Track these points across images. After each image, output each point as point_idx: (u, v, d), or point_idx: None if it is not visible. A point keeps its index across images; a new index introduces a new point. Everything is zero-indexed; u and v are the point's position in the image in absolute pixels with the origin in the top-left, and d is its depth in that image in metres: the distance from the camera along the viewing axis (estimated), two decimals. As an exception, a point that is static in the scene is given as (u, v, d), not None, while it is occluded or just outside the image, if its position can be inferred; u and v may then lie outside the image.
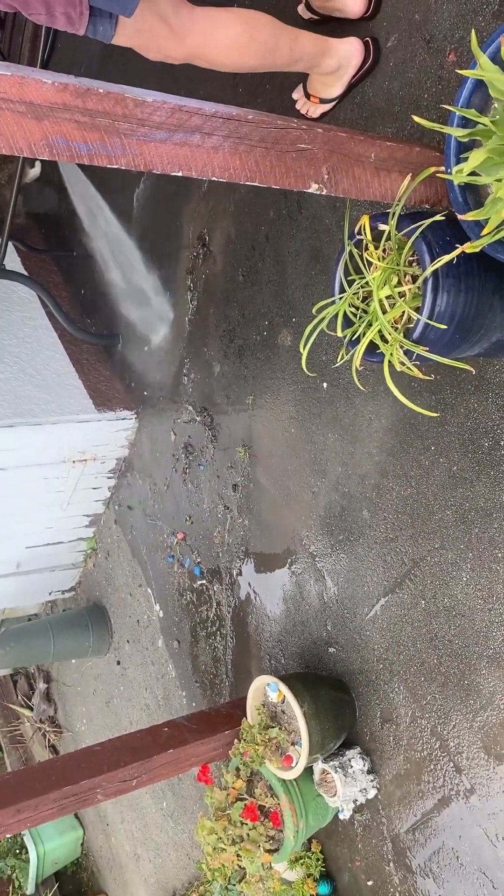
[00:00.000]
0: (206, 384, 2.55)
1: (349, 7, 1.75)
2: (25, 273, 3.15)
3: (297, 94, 1.91)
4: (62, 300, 3.24)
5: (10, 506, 3.05)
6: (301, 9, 1.88)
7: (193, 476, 2.68)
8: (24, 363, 2.91)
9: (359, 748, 2.02)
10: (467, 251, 1.16)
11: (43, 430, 2.76)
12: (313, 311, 1.52)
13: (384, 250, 1.40)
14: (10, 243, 2.89)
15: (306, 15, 1.88)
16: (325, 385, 2.03)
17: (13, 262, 3.20)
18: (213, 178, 1.14)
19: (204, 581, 2.68)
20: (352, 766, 1.98)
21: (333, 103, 1.86)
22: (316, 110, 1.89)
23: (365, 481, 1.93)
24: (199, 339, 2.56)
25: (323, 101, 1.85)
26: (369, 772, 2.00)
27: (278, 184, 1.21)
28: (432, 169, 1.30)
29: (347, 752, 2.01)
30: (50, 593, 3.72)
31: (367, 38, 1.76)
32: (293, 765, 1.93)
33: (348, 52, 1.74)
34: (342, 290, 1.48)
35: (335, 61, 1.74)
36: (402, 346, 1.36)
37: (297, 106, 1.91)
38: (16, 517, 3.13)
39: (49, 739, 4.10)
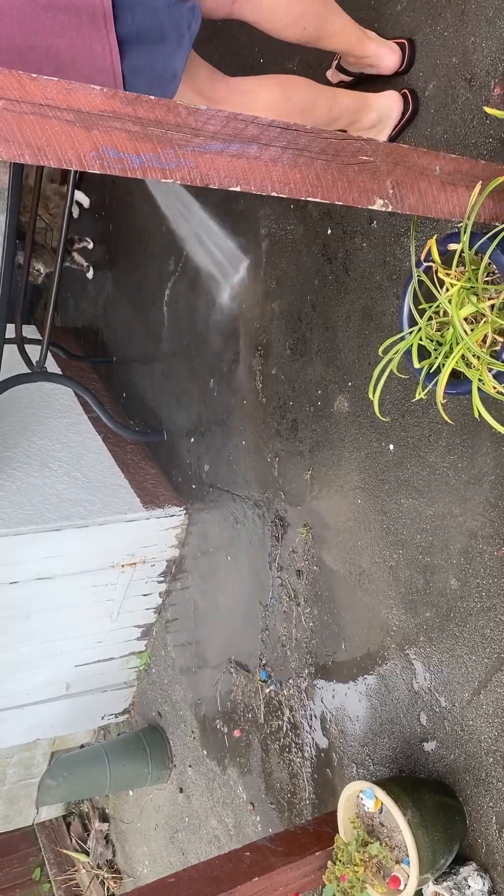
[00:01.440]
0: (258, 467, 2.42)
1: (384, 63, 1.74)
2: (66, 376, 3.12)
3: None
4: (104, 403, 3.19)
5: (58, 619, 2.88)
6: (331, 73, 1.89)
7: (255, 568, 2.49)
8: (68, 467, 2.82)
9: (475, 864, 1.72)
10: None
11: (90, 532, 2.63)
12: (379, 351, 1.40)
13: (457, 273, 1.29)
14: (49, 350, 2.87)
15: (336, 78, 1.88)
16: (391, 447, 1.88)
17: (52, 369, 3.18)
18: (273, 194, 1.05)
19: (273, 686, 2.43)
20: (469, 887, 1.68)
21: None
22: None
23: (449, 546, 1.74)
24: (246, 419, 2.45)
25: None
26: (491, 892, 1.69)
27: (341, 199, 1.12)
28: (501, 178, 1.21)
29: (462, 870, 1.71)
30: (102, 717, 3.46)
31: (405, 90, 1.74)
32: (402, 887, 1.64)
33: (388, 105, 1.72)
34: (412, 324, 1.37)
35: (375, 115, 1.72)
36: (490, 370, 1.23)
37: None
38: (64, 632, 2.95)
39: (108, 888, 3.70)
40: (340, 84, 1.89)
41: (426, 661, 1.83)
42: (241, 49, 2.36)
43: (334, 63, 1.89)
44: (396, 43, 1.74)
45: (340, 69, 1.86)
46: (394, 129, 1.75)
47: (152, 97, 0.92)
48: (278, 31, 1.56)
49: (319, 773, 2.24)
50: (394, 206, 1.17)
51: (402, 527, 1.87)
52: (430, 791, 1.73)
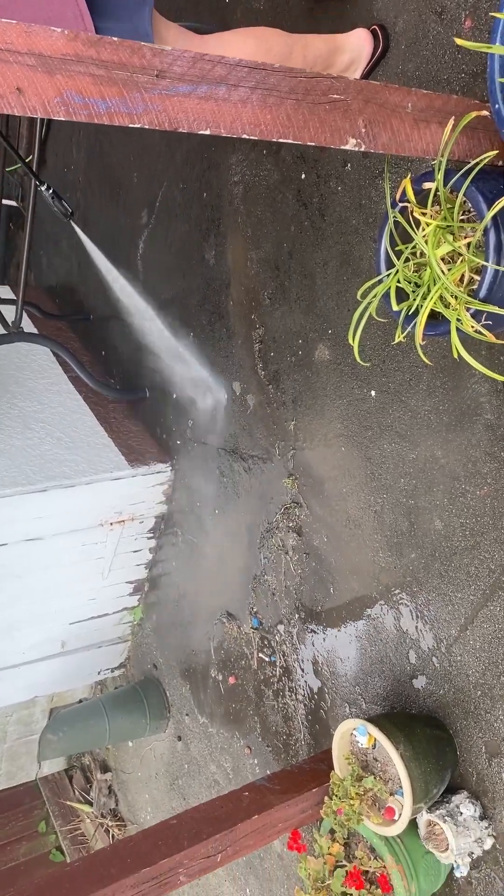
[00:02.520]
0: (241, 419, 2.42)
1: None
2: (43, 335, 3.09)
3: None
4: (83, 363, 3.16)
5: (50, 579, 2.90)
6: None
7: (243, 519, 2.52)
8: (51, 427, 2.80)
9: (466, 792, 1.79)
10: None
11: (76, 491, 2.63)
12: (358, 295, 1.39)
13: (432, 211, 1.28)
14: (24, 310, 2.83)
15: None
16: (373, 393, 1.89)
17: (29, 328, 3.14)
18: (244, 136, 1.03)
19: (264, 632, 2.48)
20: (461, 814, 1.75)
21: None
22: None
23: (433, 488, 1.76)
24: (228, 373, 2.45)
25: None
26: (482, 818, 1.75)
27: (313, 140, 1.10)
28: (474, 113, 1.19)
29: (454, 798, 1.77)
30: (99, 672, 3.52)
31: (374, 27, 1.70)
32: (396, 817, 1.70)
33: (358, 44, 1.69)
34: (389, 266, 1.36)
35: (347, 56, 1.69)
36: (469, 310, 1.23)
37: None
38: (56, 591, 2.97)
39: (113, 835, 3.80)
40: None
41: (413, 600, 1.86)
42: (206, -12, 2.29)
43: None
44: None
45: None
46: (366, 67, 1.71)
47: (115, 38, 0.90)
48: None
49: (313, 715, 2.29)
50: (367, 146, 1.15)
51: (385, 472, 1.89)
52: (421, 725, 1.79)
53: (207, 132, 1.00)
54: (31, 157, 3.37)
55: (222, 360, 2.46)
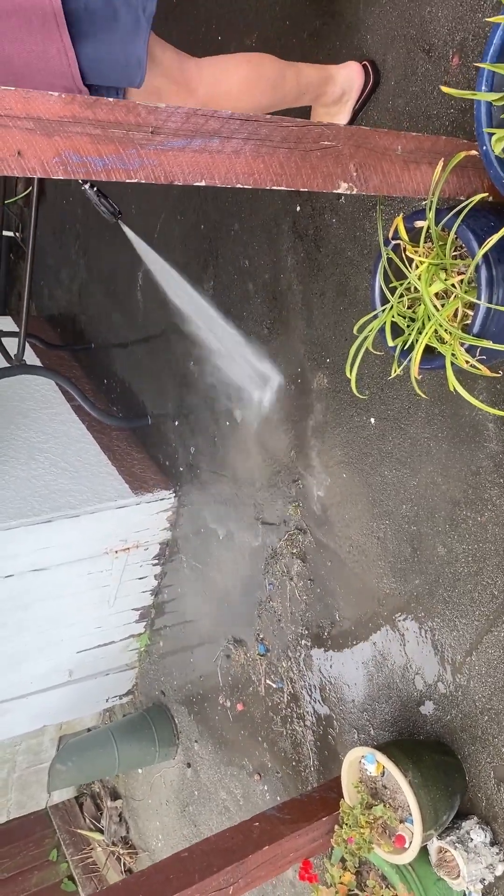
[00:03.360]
0: (243, 447, 2.44)
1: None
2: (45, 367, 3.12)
3: None
4: (85, 391, 3.19)
5: (56, 608, 2.91)
6: None
7: (247, 545, 2.53)
8: (55, 458, 2.83)
9: (476, 817, 1.79)
10: (526, 215, 1.06)
11: (81, 521, 2.65)
12: (354, 330, 1.42)
13: (424, 250, 1.31)
14: (27, 342, 2.87)
15: None
16: (372, 420, 1.91)
17: (31, 359, 3.18)
18: (239, 186, 1.06)
19: (271, 658, 2.48)
20: (472, 840, 1.74)
21: None
22: None
23: (434, 515, 1.78)
24: (229, 401, 2.47)
25: None
26: (493, 843, 1.75)
27: (306, 186, 1.13)
28: (463, 153, 1.22)
29: (464, 824, 1.77)
30: (107, 700, 3.51)
31: (365, 62, 1.73)
32: (407, 845, 1.70)
33: (349, 76, 1.72)
34: (384, 301, 1.39)
35: (339, 88, 1.72)
36: (463, 344, 1.25)
37: None
38: (63, 620, 2.98)
39: (124, 863, 3.78)
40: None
41: (418, 626, 1.87)
42: (199, 26, 2.33)
43: None
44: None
45: None
46: (357, 101, 1.75)
47: (110, 100, 0.93)
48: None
49: (322, 741, 2.29)
50: (358, 189, 1.18)
51: (387, 498, 1.90)
52: (429, 751, 1.79)
53: (203, 184, 1.03)
54: (30, 188, 3.43)
55: (223, 386, 2.48)
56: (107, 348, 3.27)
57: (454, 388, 1.22)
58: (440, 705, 1.84)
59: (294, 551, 2.27)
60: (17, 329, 2.88)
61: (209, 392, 2.55)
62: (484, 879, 1.73)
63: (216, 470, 2.61)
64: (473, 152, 1.24)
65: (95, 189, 2.17)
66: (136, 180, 0.98)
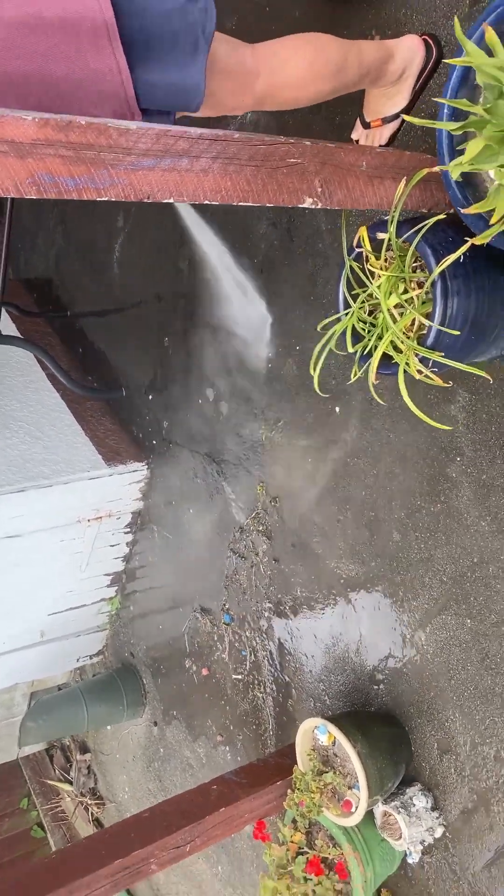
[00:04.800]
0: (215, 425, 2.50)
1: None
2: (21, 336, 3.14)
3: (357, 133, 1.69)
4: (60, 360, 3.22)
5: (29, 574, 2.98)
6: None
7: (216, 519, 2.61)
8: (29, 426, 2.87)
9: (419, 784, 1.92)
10: (476, 243, 1.12)
11: (54, 490, 2.71)
12: (318, 328, 1.48)
13: (386, 260, 1.36)
14: (3, 309, 2.88)
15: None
16: (337, 409, 1.98)
17: (7, 327, 3.19)
18: (206, 202, 1.10)
19: (235, 628, 2.59)
20: (414, 805, 1.88)
21: (400, 119, 1.62)
22: (383, 134, 1.65)
23: (392, 503, 1.86)
24: (200, 380, 2.52)
25: (387, 120, 1.62)
26: (433, 808, 1.89)
27: (272, 201, 1.17)
28: (426, 170, 1.26)
29: (408, 790, 1.90)
30: (78, 659, 3.62)
31: (425, 36, 1.58)
32: (353, 810, 1.83)
33: (410, 51, 1.54)
34: (347, 306, 1.45)
35: (399, 65, 1.54)
36: (417, 355, 1.31)
37: (362, 143, 1.69)
38: (35, 585, 3.06)
39: (92, 813, 3.94)
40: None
41: (373, 605, 1.97)
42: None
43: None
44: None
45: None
46: (418, 79, 1.58)
47: (83, 122, 0.96)
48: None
49: (281, 707, 2.42)
50: (322, 203, 1.23)
51: (349, 484, 1.99)
52: (378, 723, 1.91)
53: (171, 201, 1.07)
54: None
55: (196, 366, 2.53)
56: (82, 317, 3.29)
57: (405, 398, 1.29)
58: (391, 680, 1.95)
59: (260, 529, 2.36)
60: (-7, 297, 2.89)
61: (183, 369, 2.60)
62: (424, 841, 1.87)
63: (188, 445, 2.67)
64: (436, 168, 1.29)
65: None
66: (106, 198, 1.02)
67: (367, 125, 1.66)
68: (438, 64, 1.57)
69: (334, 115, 1.86)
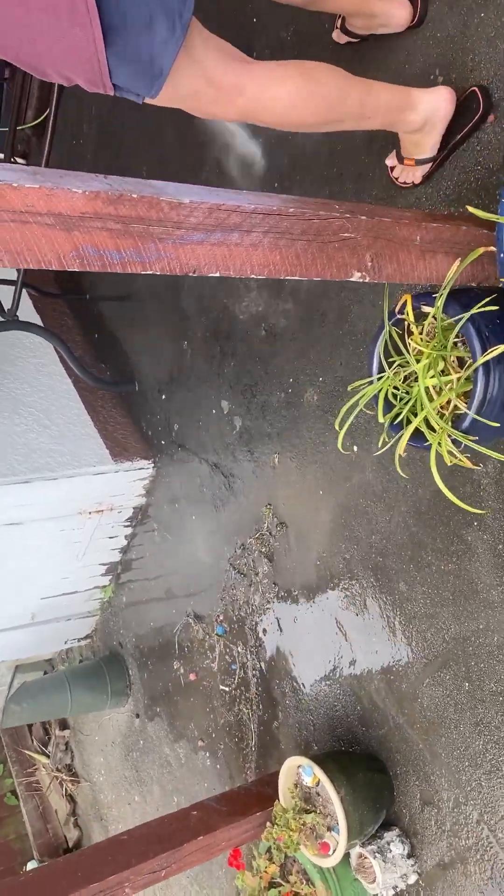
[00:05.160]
0: (227, 438, 2.47)
1: (394, 20, 1.58)
2: (39, 319, 3.09)
3: (391, 161, 1.67)
4: (75, 344, 3.17)
5: (26, 560, 2.97)
6: (336, 35, 1.76)
7: (218, 530, 2.59)
8: (38, 414, 2.83)
9: (398, 830, 1.92)
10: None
11: (59, 483, 2.69)
12: (349, 389, 1.44)
13: (427, 331, 1.32)
14: (23, 290, 2.82)
15: (342, 39, 1.75)
16: (355, 449, 1.94)
17: (26, 305, 3.13)
18: (252, 276, 1.06)
19: (227, 641, 2.59)
20: (391, 851, 1.89)
21: (432, 163, 1.59)
22: (415, 173, 1.63)
23: (402, 553, 1.84)
24: (217, 390, 2.48)
25: (419, 162, 1.59)
26: (409, 856, 1.90)
27: (319, 275, 1.13)
28: (481, 250, 1.21)
29: (386, 835, 1.91)
30: (66, 641, 3.64)
31: (474, 88, 1.49)
32: (330, 852, 1.84)
33: (434, 105, 1.48)
34: (380, 368, 1.40)
35: (420, 116, 1.48)
36: (449, 436, 1.28)
37: (394, 174, 1.68)
38: (31, 571, 3.05)
39: (66, 789, 4.00)
40: (349, 45, 1.76)
41: (370, 648, 1.96)
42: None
43: (338, 23, 1.74)
44: None
45: (345, 31, 1.73)
46: (457, 134, 1.52)
47: (134, 195, 0.91)
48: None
49: (266, 727, 2.42)
50: (371, 277, 1.18)
51: (359, 525, 1.96)
52: (363, 768, 1.91)
53: (217, 274, 1.03)
54: (43, 117, 3.30)
55: (214, 375, 2.49)
56: (102, 301, 3.23)
57: (436, 479, 1.26)
58: (381, 725, 1.95)
59: (263, 550, 2.34)
60: (13, 278, 2.83)
61: (200, 376, 2.56)
62: (396, 887, 1.88)
63: (197, 452, 2.64)
64: (492, 248, 1.23)
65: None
66: (150, 272, 0.97)
67: (401, 160, 1.64)
68: (484, 120, 1.51)
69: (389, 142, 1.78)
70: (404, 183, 1.67)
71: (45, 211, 0.87)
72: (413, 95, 1.47)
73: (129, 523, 3.10)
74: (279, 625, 2.31)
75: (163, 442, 2.85)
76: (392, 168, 1.69)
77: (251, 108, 1.32)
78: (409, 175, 1.65)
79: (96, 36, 1.14)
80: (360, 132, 1.73)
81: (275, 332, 2.19)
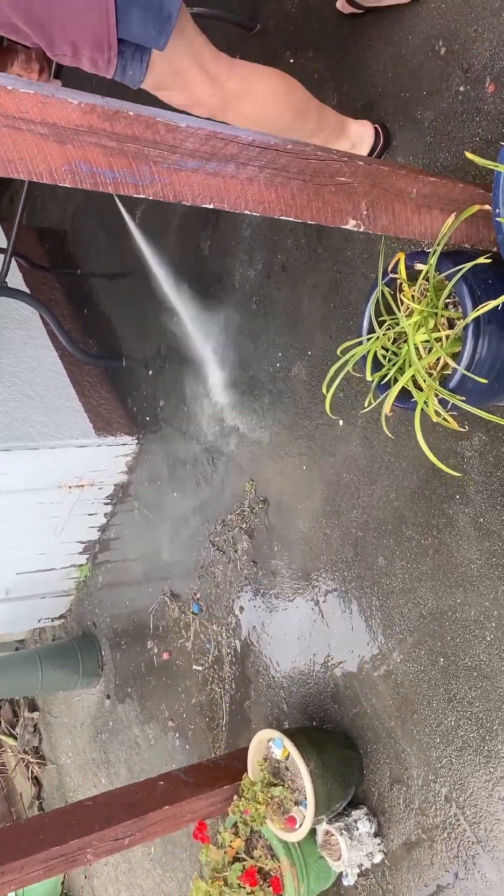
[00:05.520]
0: (213, 414, 2.45)
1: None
2: (28, 290, 3.06)
3: None
4: (64, 319, 3.14)
5: (2, 530, 2.93)
6: (340, 4, 1.82)
7: (199, 508, 2.57)
8: (22, 384, 2.80)
9: (365, 808, 1.91)
10: (521, 301, 1.07)
11: (40, 454, 2.65)
12: (338, 351, 1.43)
13: (420, 290, 1.31)
14: (12, 259, 2.79)
15: (347, 10, 1.81)
16: (341, 423, 1.94)
17: (16, 278, 3.10)
18: (247, 212, 1.04)
19: (203, 619, 2.56)
20: (358, 829, 1.87)
21: None
22: None
23: (382, 527, 1.83)
24: (204, 367, 2.46)
25: None
26: (376, 834, 1.88)
27: (315, 219, 1.11)
28: (476, 207, 1.21)
29: (353, 813, 1.90)
30: (39, 620, 3.59)
31: (377, 125, 1.73)
32: (297, 826, 1.82)
33: (361, 134, 1.71)
34: (371, 330, 1.39)
35: (349, 142, 1.70)
36: (437, 395, 1.27)
37: None
38: (6, 543, 3.01)
39: (32, 771, 3.95)
40: (351, 15, 1.82)
41: (346, 625, 1.95)
42: None
43: None
44: None
45: (351, 2, 1.78)
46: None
47: (131, 112, 0.90)
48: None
49: (237, 705, 2.40)
50: (366, 227, 1.17)
51: (341, 499, 1.95)
52: (333, 744, 1.89)
53: (211, 206, 1.01)
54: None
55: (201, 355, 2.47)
56: (92, 277, 3.21)
57: (420, 440, 1.25)
58: (353, 702, 1.94)
59: (243, 526, 2.32)
60: (4, 247, 2.80)
61: (185, 351, 2.54)
62: (361, 865, 1.87)
63: (182, 429, 2.62)
64: (487, 206, 1.23)
65: None
66: (143, 195, 0.96)
67: None
68: (385, 150, 1.74)
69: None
70: None
71: (38, 119, 0.85)
72: (347, 123, 1.68)
73: (109, 500, 3.07)
74: (256, 602, 2.29)
75: (148, 418, 2.83)
76: None
77: (234, 98, 1.43)
78: None
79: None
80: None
81: (265, 305, 2.18)
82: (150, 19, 1.25)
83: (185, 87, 1.39)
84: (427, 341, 1.26)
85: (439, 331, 1.26)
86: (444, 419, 1.26)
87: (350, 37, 1.85)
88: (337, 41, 1.89)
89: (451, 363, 1.21)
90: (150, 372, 2.79)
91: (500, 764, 1.57)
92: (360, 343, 1.39)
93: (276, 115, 1.48)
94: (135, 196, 0.95)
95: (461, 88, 1.58)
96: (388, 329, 1.35)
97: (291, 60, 2.04)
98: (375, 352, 1.37)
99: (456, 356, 1.28)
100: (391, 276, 1.33)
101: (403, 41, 1.71)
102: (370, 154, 1.73)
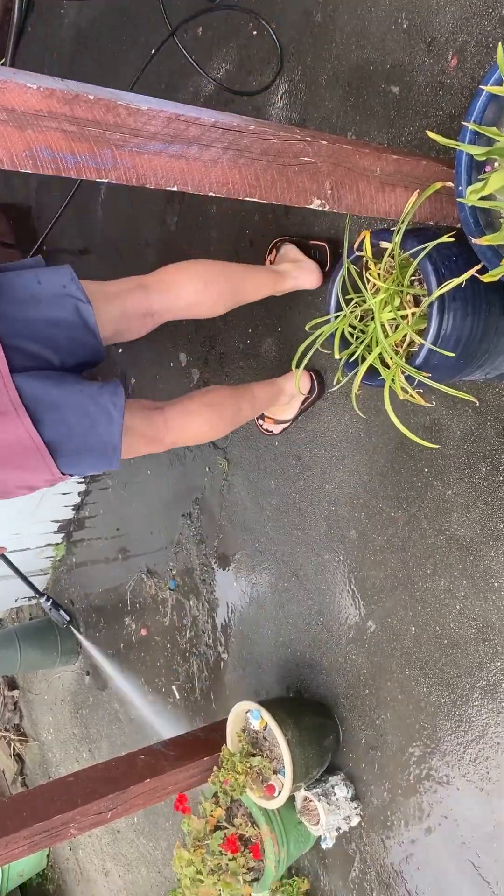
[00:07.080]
0: (185, 391, 2.45)
1: (307, 284, 1.83)
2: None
3: (259, 419, 2.05)
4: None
5: (-24, 513, 2.93)
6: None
7: (173, 485, 2.58)
8: (-9, 364, 2.77)
9: (342, 774, 1.96)
10: (485, 280, 1.09)
11: (11, 435, 2.64)
12: (306, 328, 1.44)
13: (385, 268, 1.32)
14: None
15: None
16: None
17: (-20, 256, 3.06)
18: (210, 193, 1.04)
19: (180, 594, 2.59)
20: (335, 794, 1.92)
21: (290, 422, 1.99)
22: (277, 427, 2.02)
23: (353, 501, 1.86)
24: (175, 342, 2.46)
25: (279, 422, 2.00)
26: (353, 799, 1.94)
27: (279, 199, 1.12)
28: (439, 184, 1.22)
29: (331, 779, 1.95)
30: (16, 600, 3.60)
31: (311, 373, 1.88)
32: (276, 794, 1.86)
33: (292, 390, 1.89)
34: (338, 309, 1.40)
35: (287, 396, 1.89)
36: (403, 372, 1.29)
37: (260, 422, 2.06)
38: (-19, 524, 3.01)
39: (14, 748, 3.98)
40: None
41: (320, 596, 1.98)
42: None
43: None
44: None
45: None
46: (303, 404, 1.93)
47: (91, 96, 0.89)
48: (207, 315, 1.75)
49: (215, 678, 2.44)
50: (330, 206, 1.18)
51: (313, 474, 1.97)
52: (310, 713, 1.94)
53: (175, 189, 1.01)
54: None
55: (172, 327, 2.46)
56: (59, 254, 3.17)
57: (392, 417, 1.27)
58: (329, 672, 1.98)
59: (217, 501, 2.34)
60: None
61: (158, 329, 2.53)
62: (339, 828, 1.92)
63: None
64: (450, 183, 1.24)
65: (51, 602, 3.04)
66: (106, 180, 0.95)
67: (262, 417, 2.03)
68: (321, 395, 1.91)
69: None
70: (267, 430, 2.05)
71: (-4, 104, 0.84)
72: (279, 383, 1.88)
73: (82, 479, 3.07)
74: (231, 577, 2.32)
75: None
76: (261, 423, 2.05)
77: (177, 441, 1.71)
78: (272, 427, 2.03)
79: (29, 430, 1.36)
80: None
81: (234, 282, 2.17)
82: (98, 457, 1.48)
83: (136, 450, 1.63)
84: (394, 319, 1.28)
85: (405, 308, 1.27)
86: (411, 396, 1.28)
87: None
88: None
89: (418, 339, 1.23)
90: (121, 350, 2.78)
91: (471, 728, 1.62)
92: (328, 321, 1.40)
93: (215, 436, 1.76)
94: (97, 180, 0.94)
95: (425, 62, 1.58)
96: (356, 307, 1.36)
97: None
98: (343, 329, 1.38)
99: (422, 333, 1.30)
100: (357, 253, 1.34)
101: (367, 13, 1.70)
102: (307, 399, 1.90)
